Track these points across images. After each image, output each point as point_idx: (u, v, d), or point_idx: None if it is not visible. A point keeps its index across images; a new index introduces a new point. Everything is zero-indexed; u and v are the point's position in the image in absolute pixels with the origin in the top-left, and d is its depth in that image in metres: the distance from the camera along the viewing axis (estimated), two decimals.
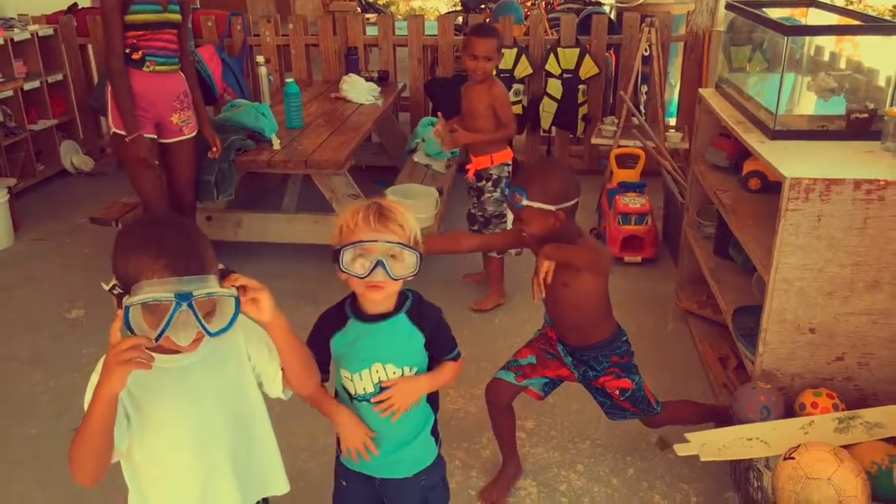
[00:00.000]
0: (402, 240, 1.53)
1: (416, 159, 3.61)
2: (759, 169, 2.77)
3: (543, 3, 6.74)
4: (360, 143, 3.90)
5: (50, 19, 5.46)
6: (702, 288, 3.28)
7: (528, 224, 2.06)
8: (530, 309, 3.33)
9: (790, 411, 2.27)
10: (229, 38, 5.37)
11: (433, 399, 1.75)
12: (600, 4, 6.21)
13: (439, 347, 1.68)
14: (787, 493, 1.91)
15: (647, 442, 2.58)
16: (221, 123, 3.82)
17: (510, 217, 3.34)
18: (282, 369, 1.45)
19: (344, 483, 1.78)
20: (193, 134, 3.45)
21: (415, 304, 1.66)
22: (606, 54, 5.14)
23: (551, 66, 4.99)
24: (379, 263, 1.50)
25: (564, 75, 4.98)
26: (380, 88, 4.76)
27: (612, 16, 6.03)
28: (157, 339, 1.23)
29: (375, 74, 5.09)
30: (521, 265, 3.63)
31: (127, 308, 1.19)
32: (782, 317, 2.26)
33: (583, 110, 5.06)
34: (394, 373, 1.64)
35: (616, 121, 4.56)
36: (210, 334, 1.26)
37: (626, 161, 4.27)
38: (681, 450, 2.19)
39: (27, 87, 5.01)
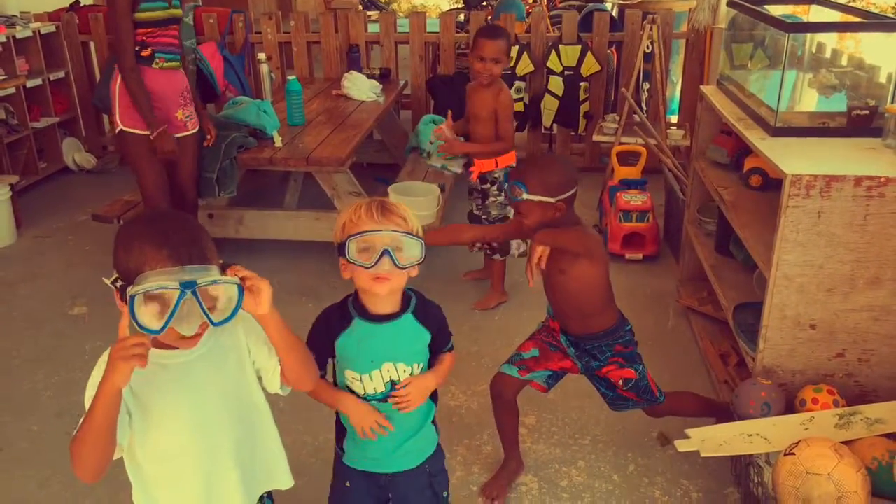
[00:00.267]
0: (405, 230, 1.55)
1: (430, 163, 3.60)
2: (760, 166, 2.78)
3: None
4: (361, 140, 3.90)
5: (52, 17, 5.47)
6: (703, 285, 3.28)
7: (529, 216, 2.07)
8: (531, 307, 3.34)
9: (791, 407, 2.27)
10: (231, 36, 5.38)
11: (434, 392, 1.77)
12: (602, 1, 6.20)
13: (441, 343, 1.72)
14: (787, 489, 1.92)
15: (648, 438, 2.59)
16: (223, 121, 3.83)
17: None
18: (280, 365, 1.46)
19: (348, 484, 1.76)
20: (196, 129, 3.47)
21: (419, 304, 1.68)
22: (608, 51, 5.14)
23: (553, 63, 4.99)
24: (385, 252, 1.52)
25: (566, 72, 4.98)
26: (381, 86, 4.76)
27: (614, 13, 6.02)
28: (162, 329, 1.23)
29: (377, 72, 5.09)
30: (522, 264, 3.62)
31: (132, 298, 1.20)
32: (783, 313, 2.26)
33: (584, 107, 5.06)
34: (404, 371, 1.65)
35: (617, 118, 4.56)
36: (214, 323, 1.27)
37: (627, 158, 4.27)
38: (681, 446, 2.20)
39: (29, 84, 5.02)
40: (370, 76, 4.89)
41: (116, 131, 3.33)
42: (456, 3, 9.23)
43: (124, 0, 3.08)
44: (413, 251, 1.56)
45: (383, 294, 1.58)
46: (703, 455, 2.15)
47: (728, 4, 3.27)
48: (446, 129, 3.32)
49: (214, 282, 1.25)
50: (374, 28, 5.47)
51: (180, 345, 1.35)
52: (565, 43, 4.98)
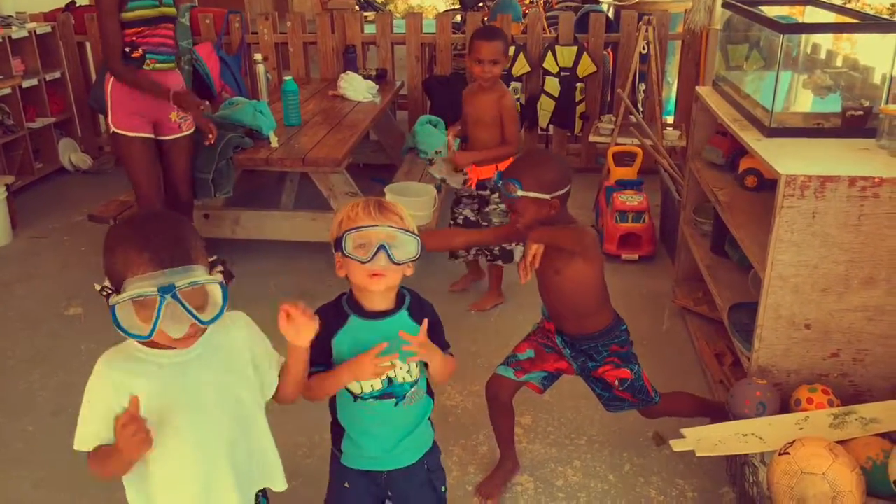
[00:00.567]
0: (402, 227, 1.56)
1: (430, 170, 3.58)
2: (755, 166, 2.78)
3: (542, 0, 6.75)
4: (357, 140, 3.91)
5: (48, 17, 5.46)
6: (698, 285, 3.29)
7: (524, 214, 2.07)
8: (527, 308, 3.34)
9: (786, 407, 2.28)
10: (227, 36, 5.37)
11: (430, 388, 1.78)
12: (598, 2, 6.22)
13: (436, 342, 1.69)
14: (782, 489, 1.92)
15: (644, 438, 2.59)
16: (219, 121, 3.82)
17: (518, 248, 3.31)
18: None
19: (346, 485, 1.76)
20: (191, 131, 3.46)
21: (414, 301, 1.68)
22: (604, 52, 5.15)
23: (549, 64, 4.99)
24: (382, 248, 1.52)
25: (562, 73, 4.99)
26: (378, 86, 4.77)
27: (610, 14, 6.03)
28: (149, 335, 1.24)
29: (373, 72, 5.10)
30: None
31: (112, 307, 1.20)
32: (778, 313, 2.27)
33: (580, 108, 5.07)
34: (401, 368, 1.65)
35: (614, 119, 4.57)
36: (202, 322, 1.28)
37: (623, 159, 4.28)
38: (677, 445, 2.20)
39: (25, 84, 5.01)
40: (367, 77, 4.89)
41: (111, 132, 3.32)
42: (452, 4, 9.23)
43: (109, 4, 3.04)
44: (409, 247, 1.57)
45: (379, 290, 1.59)
46: (698, 455, 2.16)
47: (723, 6, 3.28)
48: (451, 139, 3.28)
49: (194, 283, 1.25)
50: (370, 29, 5.47)
51: (176, 345, 1.35)
52: (561, 44, 4.99)
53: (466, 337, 3.23)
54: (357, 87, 4.63)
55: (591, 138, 4.73)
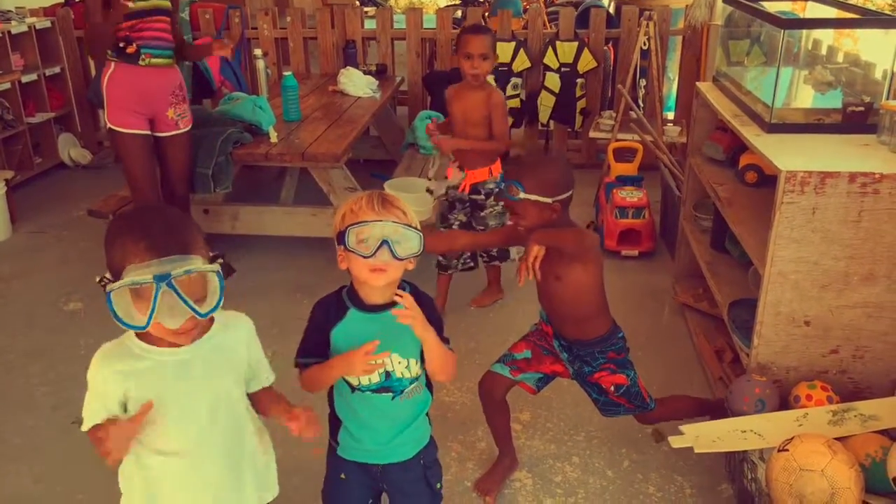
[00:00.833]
0: (405, 223, 1.56)
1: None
2: (755, 162, 2.78)
3: None
4: (357, 136, 3.89)
5: (47, 12, 5.45)
6: (698, 281, 3.29)
7: (525, 217, 2.05)
8: (525, 305, 3.33)
9: (785, 404, 2.27)
10: (227, 31, 5.36)
11: (430, 383, 1.77)
12: None
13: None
14: (780, 485, 1.92)
15: (643, 434, 2.59)
16: (219, 116, 3.82)
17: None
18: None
19: (343, 476, 1.77)
20: (188, 128, 3.45)
21: (413, 295, 1.67)
22: (605, 48, 5.14)
23: (549, 59, 4.98)
24: (384, 243, 1.52)
25: (562, 69, 4.97)
26: (378, 82, 4.75)
27: (611, 9, 6.02)
28: (147, 324, 1.23)
29: (373, 68, 5.08)
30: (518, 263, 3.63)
31: (108, 295, 1.20)
32: (777, 310, 2.26)
33: (581, 104, 5.05)
34: (399, 362, 1.65)
35: (614, 115, 4.56)
36: (199, 315, 1.27)
37: (623, 155, 4.27)
38: (675, 442, 2.20)
39: (25, 79, 5.00)
40: (367, 72, 4.88)
41: (108, 128, 3.31)
42: None
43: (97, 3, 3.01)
44: (411, 243, 1.56)
45: (380, 285, 1.58)
46: (697, 451, 2.15)
47: (724, 1, 3.27)
48: (432, 126, 3.22)
49: (188, 271, 1.24)
50: (370, 24, 5.46)
51: (177, 340, 1.35)
52: (562, 39, 4.98)
53: (465, 333, 3.23)
54: (357, 83, 4.62)
55: (592, 134, 4.72)
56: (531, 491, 2.37)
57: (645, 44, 4.48)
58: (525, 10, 5.56)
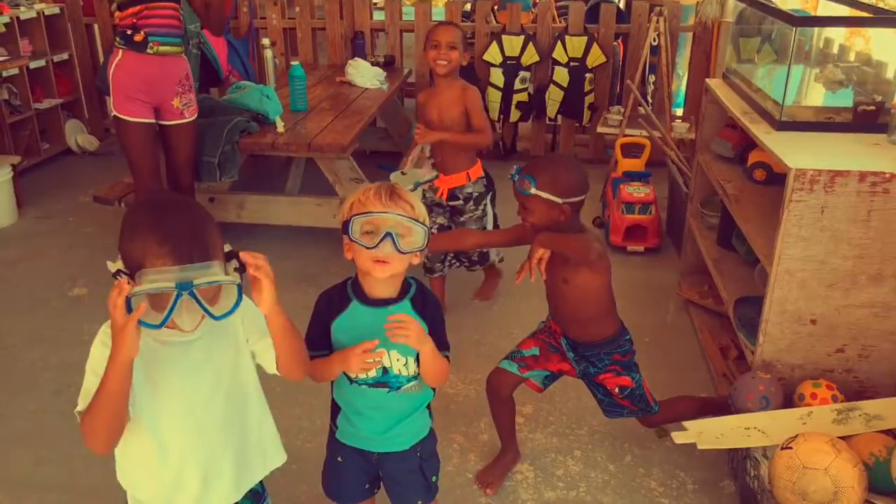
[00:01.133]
0: (411, 216, 1.55)
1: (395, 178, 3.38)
2: (764, 160, 2.76)
3: None
4: (364, 127, 3.89)
5: None
6: (704, 278, 3.28)
7: (532, 213, 2.05)
8: (529, 297, 3.33)
9: (789, 402, 2.27)
10: (235, 20, 5.35)
11: None
12: None
13: (436, 340, 1.65)
14: (783, 483, 1.92)
15: (645, 429, 2.58)
16: (226, 105, 3.81)
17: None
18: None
19: (340, 459, 1.78)
20: (193, 118, 3.43)
21: (418, 292, 1.67)
22: (614, 43, 5.12)
23: (558, 54, 4.96)
24: (388, 235, 1.51)
25: (571, 63, 4.95)
26: (385, 73, 4.74)
27: (621, 5, 5.99)
28: (161, 325, 1.24)
29: (381, 59, 5.07)
30: (521, 253, 3.62)
31: (128, 299, 1.20)
32: (783, 308, 2.25)
33: (589, 99, 5.03)
34: (398, 360, 1.64)
35: (622, 110, 4.54)
36: (214, 318, 1.27)
37: (631, 150, 4.26)
38: (678, 437, 2.19)
39: (33, 65, 5.00)
40: (374, 63, 4.87)
41: (113, 116, 3.31)
42: None
43: None
44: (416, 237, 1.56)
45: (383, 277, 1.57)
46: (700, 447, 2.15)
47: None
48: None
49: (211, 283, 1.24)
50: (379, 15, 5.45)
51: (183, 328, 1.35)
52: (571, 34, 4.96)
53: (468, 326, 3.22)
54: (365, 74, 4.61)
55: (600, 129, 4.71)
56: (532, 484, 2.37)
57: (655, 40, 4.47)
58: (534, 5, 5.54)
